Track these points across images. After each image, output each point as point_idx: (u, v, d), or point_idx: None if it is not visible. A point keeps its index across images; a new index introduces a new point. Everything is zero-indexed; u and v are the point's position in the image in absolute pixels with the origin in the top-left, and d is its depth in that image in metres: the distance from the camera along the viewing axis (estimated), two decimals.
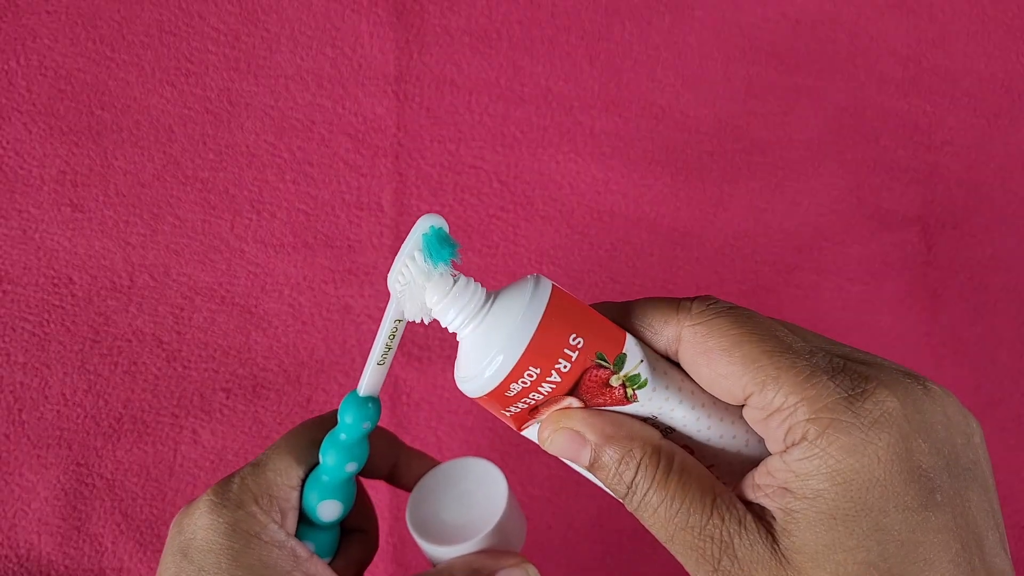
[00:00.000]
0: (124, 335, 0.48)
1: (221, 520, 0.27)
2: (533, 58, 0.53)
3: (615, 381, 0.23)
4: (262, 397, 0.48)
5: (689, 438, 0.24)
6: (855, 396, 0.21)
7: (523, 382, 0.23)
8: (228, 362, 0.48)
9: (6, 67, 0.50)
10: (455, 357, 0.51)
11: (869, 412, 0.20)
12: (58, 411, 0.47)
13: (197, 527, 0.27)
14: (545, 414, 0.24)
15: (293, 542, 0.28)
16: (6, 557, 0.45)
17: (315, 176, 0.50)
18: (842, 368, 0.22)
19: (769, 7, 0.55)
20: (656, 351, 0.24)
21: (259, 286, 0.49)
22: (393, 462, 0.33)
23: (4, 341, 0.47)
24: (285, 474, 0.29)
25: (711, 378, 0.22)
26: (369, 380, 0.28)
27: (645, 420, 0.24)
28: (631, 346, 0.23)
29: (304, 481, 0.29)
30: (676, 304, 0.23)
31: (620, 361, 0.23)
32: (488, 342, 0.23)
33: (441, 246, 0.23)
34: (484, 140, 0.51)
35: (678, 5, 0.54)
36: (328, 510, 0.29)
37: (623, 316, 0.24)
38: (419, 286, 0.24)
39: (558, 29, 0.53)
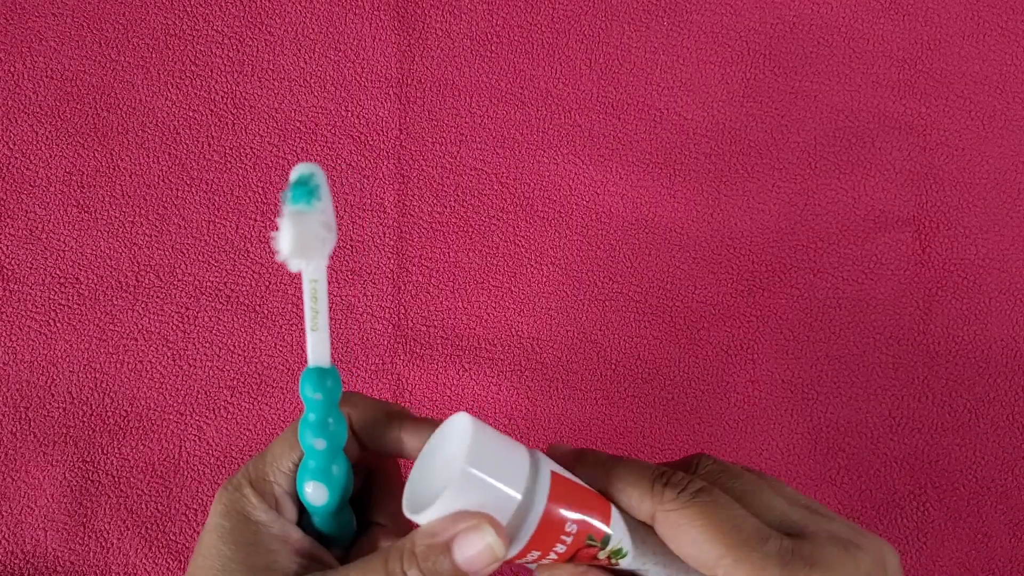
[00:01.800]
0: (130, 334, 0.49)
1: (220, 503, 0.28)
2: (533, 61, 0.53)
3: (602, 555, 0.27)
4: (267, 395, 0.49)
5: None
6: None
7: (526, 559, 0.27)
8: (233, 360, 0.49)
9: (12, 69, 0.51)
10: (457, 356, 0.51)
11: None
12: (64, 409, 0.48)
13: (211, 511, 0.29)
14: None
15: (284, 523, 0.29)
16: (12, 553, 0.46)
17: None
18: (789, 557, 0.26)
19: (766, 11, 0.55)
20: (637, 518, 0.27)
21: (263, 285, 0.50)
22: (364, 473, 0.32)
23: (11, 340, 0.48)
24: (279, 459, 0.29)
25: (684, 554, 0.27)
26: (310, 350, 0.28)
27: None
28: (616, 523, 0.27)
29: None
30: (650, 485, 0.27)
31: (606, 540, 0.27)
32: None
33: (298, 189, 0.24)
34: (485, 142, 0.52)
35: (676, 9, 0.55)
36: (312, 492, 0.29)
37: (605, 481, 0.28)
38: (282, 228, 0.25)
39: (557, 33, 0.54)
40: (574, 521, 0.26)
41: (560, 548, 0.26)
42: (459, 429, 0.27)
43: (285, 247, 0.25)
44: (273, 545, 0.28)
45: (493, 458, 0.26)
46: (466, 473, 0.25)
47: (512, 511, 0.26)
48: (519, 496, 0.26)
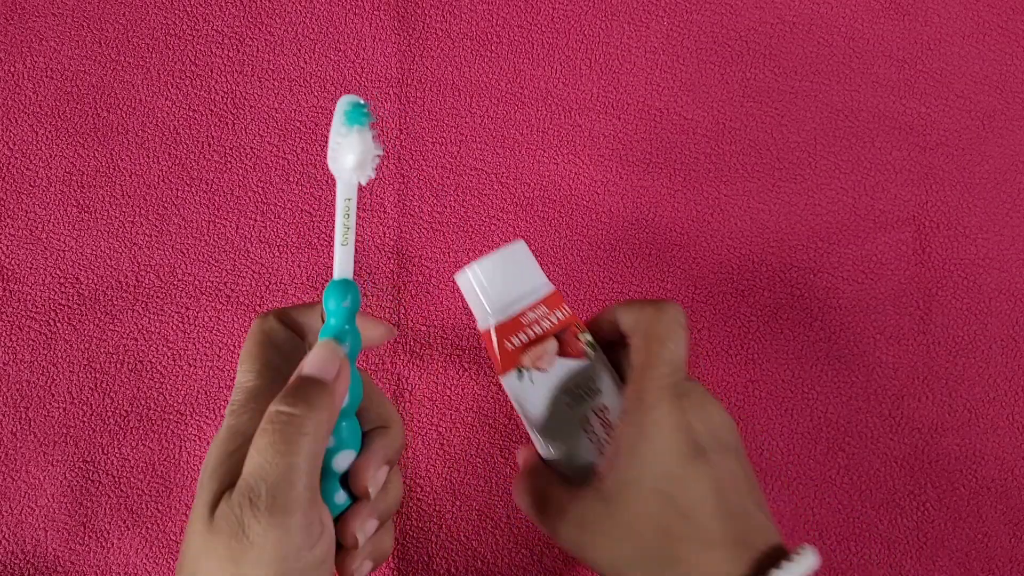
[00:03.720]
0: (130, 334, 0.49)
1: (252, 327, 0.36)
2: (533, 61, 0.53)
3: (583, 338, 0.38)
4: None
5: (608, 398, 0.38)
6: (678, 392, 0.34)
7: (534, 314, 0.38)
8: (233, 360, 0.49)
9: (12, 69, 0.51)
10: (457, 356, 0.51)
11: (678, 399, 0.33)
12: (64, 409, 0.48)
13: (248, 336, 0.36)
14: (525, 359, 0.37)
15: (298, 341, 0.36)
16: (12, 553, 0.46)
17: (319, 178, 0.51)
18: (679, 391, 0.34)
19: (766, 11, 0.55)
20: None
21: (263, 285, 0.50)
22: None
23: (11, 340, 0.48)
24: (308, 310, 0.37)
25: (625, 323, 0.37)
26: (337, 263, 0.33)
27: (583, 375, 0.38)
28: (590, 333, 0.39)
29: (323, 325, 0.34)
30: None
31: (585, 332, 0.38)
32: (521, 280, 0.38)
33: (355, 111, 0.29)
34: (485, 142, 0.52)
35: (676, 9, 0.55)
36: None
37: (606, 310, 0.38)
38: (347, 147, 0.30)
39: (557, 33, 0.54)
40: (567, 309, 0.39)
41: (560, 315, 0.38)
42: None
43: (350, 161, 0.30)
44: (287, 346, 0.35)
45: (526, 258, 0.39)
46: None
47: (539, 282, 0.39)
48: (543, 279, 0.39)
